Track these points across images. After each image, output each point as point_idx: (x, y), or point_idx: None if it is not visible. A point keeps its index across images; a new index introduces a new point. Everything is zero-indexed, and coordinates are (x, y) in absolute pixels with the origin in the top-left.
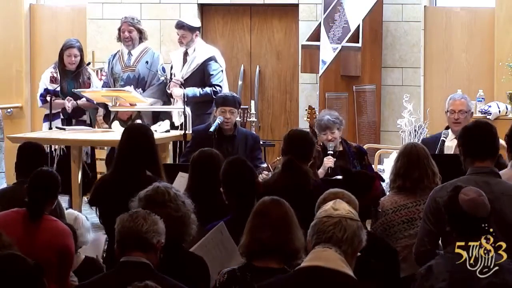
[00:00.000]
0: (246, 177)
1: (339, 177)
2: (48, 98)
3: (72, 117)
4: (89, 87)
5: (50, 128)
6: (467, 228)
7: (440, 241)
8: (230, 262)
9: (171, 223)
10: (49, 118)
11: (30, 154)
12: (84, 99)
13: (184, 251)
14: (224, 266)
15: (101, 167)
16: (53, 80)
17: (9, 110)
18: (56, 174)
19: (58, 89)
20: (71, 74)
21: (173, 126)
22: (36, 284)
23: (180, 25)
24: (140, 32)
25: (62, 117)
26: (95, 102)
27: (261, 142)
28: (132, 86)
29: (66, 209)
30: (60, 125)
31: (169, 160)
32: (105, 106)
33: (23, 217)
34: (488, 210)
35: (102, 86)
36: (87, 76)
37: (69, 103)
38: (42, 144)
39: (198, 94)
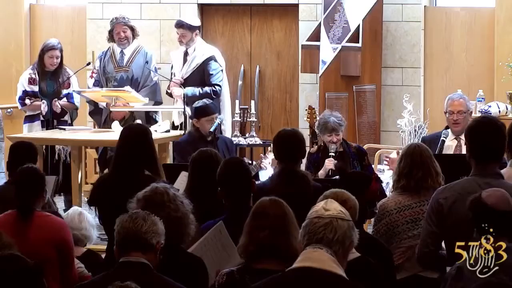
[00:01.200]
0: (242, 177)
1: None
2: (27, 101)
3: (54, 118)
4: (68, 87)
5: (51, 128)
6: (493, 224)
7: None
8: (229, 261)
9: (171, 223)
10: (29, 119)
11: (22, 153)
12: (64, 99)
13: (182, 252)
14: (222, 266)
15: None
16: (31, 81)
17: (9, 110)
18: (39, 169)
19: (37, 89)
20: (50, 75)
21: (173, 126)
22: (36, 284)
23: (180, 24)
24: (133, 29)
25: (42, 118)
26: (74, 102)
27: (260, 142)
28: (128, 86)
29: (65, 210)
30: (40, 127)
31: (169, 160)
32: (94, 103)
33: (15, 218)
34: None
35: (94, 84)
36: (66, 76)
37: (55, 104)
38: (35, 144)
39: (197, 94)
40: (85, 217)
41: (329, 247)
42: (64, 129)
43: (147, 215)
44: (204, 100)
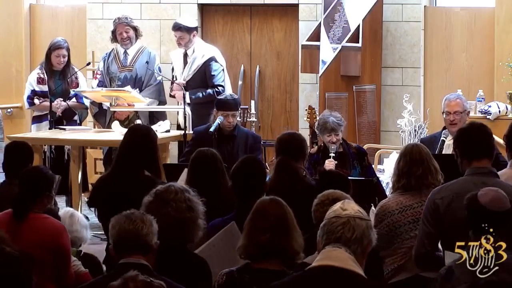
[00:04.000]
0: (255, 175)
1: None
2: (36, 101)
3: (64, 119)
4: (77, 87)
5: (50, 128)
6: (490, 225)
7: (439, 243)
8: (240, 262)
9: (171, 222)
10: (37, 119)
11: (16, 154)
12: (74, 99)
13: (185, 253)
14: (233, 266)
15: (100, 167)
16: (40, 81)
17: (9, 110)
18: (46, 171)
19: (46, 89)
20: (58, 74)
21: (179, 128)
22: (20, 274)
23: (177, 27)
24: (136, 30)
25: (51, 118)
26: (84, 102)
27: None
28: (129, 86)
29: None
30: (48, 127)
31: (169, 160)
32: (98, 104)
33: (9, 218)
34: (509, 203)
35: (98, 85)
36: (74, 76)
37: (58, 106)
38: (29, 144)
39: (201, 96)
40: (76, 218)
41: (348, 246)
42: (64, 129)
43: (144, 215)
44: (229, 94)
